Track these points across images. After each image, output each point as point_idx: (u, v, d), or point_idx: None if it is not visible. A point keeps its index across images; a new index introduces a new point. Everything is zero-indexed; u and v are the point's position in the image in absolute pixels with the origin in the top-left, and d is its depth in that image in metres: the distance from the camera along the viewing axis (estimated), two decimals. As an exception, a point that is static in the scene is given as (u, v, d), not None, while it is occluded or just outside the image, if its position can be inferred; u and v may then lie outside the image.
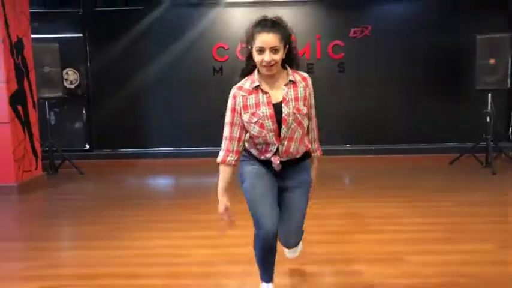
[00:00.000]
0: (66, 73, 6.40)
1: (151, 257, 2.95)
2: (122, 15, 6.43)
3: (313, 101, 2.13)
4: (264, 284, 2.19)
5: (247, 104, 1.97)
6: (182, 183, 5.73)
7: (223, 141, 2.06)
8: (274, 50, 1.88)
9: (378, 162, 6.28)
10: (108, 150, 6.63)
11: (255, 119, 1.95)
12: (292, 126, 1.97)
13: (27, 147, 5.12)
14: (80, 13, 6.45)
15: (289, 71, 2.03)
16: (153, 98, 6.58)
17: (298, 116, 1.98)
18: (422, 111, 6.47)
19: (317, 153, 2.22)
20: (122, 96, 6.49)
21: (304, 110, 2.00)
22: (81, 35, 6.49)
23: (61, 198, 4.77)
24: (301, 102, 1.99)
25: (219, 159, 2.06)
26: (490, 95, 5.66)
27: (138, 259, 2.91)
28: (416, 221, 3.59)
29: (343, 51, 6.41)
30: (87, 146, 6.64)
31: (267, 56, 1.87)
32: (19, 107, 4.99)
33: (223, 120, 2.06)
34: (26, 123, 5.11)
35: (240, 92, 1.99)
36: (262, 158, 2.05)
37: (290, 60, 2.04)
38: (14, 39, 4.92)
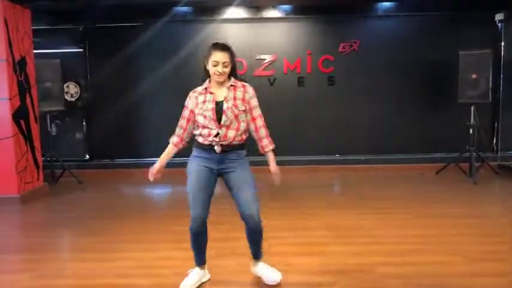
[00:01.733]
0: (67, 86, 6.67)
1: (150, 268, 3.14)
2: (121, 31, 6.69)
3: (255, 103, 2.72)
4: (196, 268, 2.83)
5: (197, 102, 2.66)
6: (178, 193, 5.96)
7: (177, 129, 2.79)
8: (224, 64, 2.57)
9: (367, 172, 6.53)
10: (107, 160, 6.89)
11: (201, 111, 2.62)
12: (231, 117, 2.61)
13: (29, 159, 5.38)
14: (81, 29, 6.71)
15: (232, 79, 2.69)
16: (151, 109, 6.83)
17: (235, 110, 2.62)
18: (410, 122, 6.70)
19: (270, 147, 2.76)
20: (120, 108, 6.75)
21: (241, 107, 2.64)
22: (81, 50, 6.75)
23: (61, 208, 5.01)
24: (239, 101, 2.64)
25: (172, 140, 2.82)
26: (473, 107, 5.89)
27: (137, 270, 3.10)
28: (396, 233, 3.80)
29: (333, 65, 6.65)
30: (87, 156, 6.90)
31: (220, 68, 2.57)
32: (22, 122, 5.26)
33: None
34: (28, 137, 5.38)
35: (193, 94, 2.71)
36: (207, 142, 2.65)
37: (233, 73, 2.70)
38: (18, 58, 5.19)
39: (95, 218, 4.49)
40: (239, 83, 2.69)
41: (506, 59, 6.52)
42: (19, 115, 5.20)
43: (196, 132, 2.70)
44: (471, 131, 5.92)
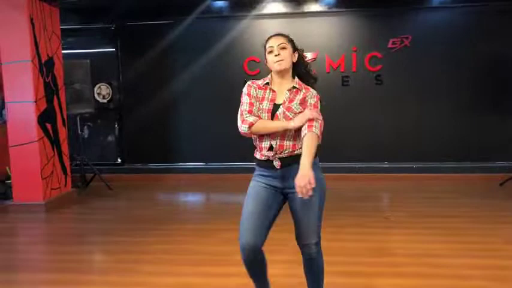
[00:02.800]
0: (99, 87, 6.46)
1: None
2: (153, 29, 6.40)
3: (312, 102, 2.18)
4: None
5: (257, 95, 2.20)
6: (210, 203, 5.61)
7: (244, 114, 2.14)
8: (281, 47, 2.16)
9: (419, 182, 5.87)
10: (139, 164, 6.63)
11: (256, 109, 2.16)
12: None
13: (56, 164, 5.16)
14: (113, 28, 6.47)
15: (297, 79, 2.24)
16: (184, 111, 6.50)
17: (288, 114, 2.14)
18: (468, 127, 5.98)
19: (312, 130, 2.10)
20: (153, 110, 6.46)
21: (297, 109, 2.15)
22: (113, 49, 6.51)
23: (86, 218, 4.75)
24: (295, 103, 2.16)
25: (247, 123, 2.13)
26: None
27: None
28: (455, 262, 3.20)
29: (381, 63, 6.04)
30: (119, 160, 6.66)
31: (275, 51, 2.16)
32: (48, 125, 5.03)
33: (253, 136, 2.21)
34: (55, 141, 5.15)
35: (253, 85, 2.24)
36: (263, 158, 2.19)
37: (304, 75, 2.27)
38: (45, 58, 4.96)
39: (119, 232, 4.14)
40: (303, 86, 2.22)
41: None
42: (45, 118, 4.98)
43: (254, 143, 2.26)
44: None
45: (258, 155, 2.22)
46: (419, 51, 5.95)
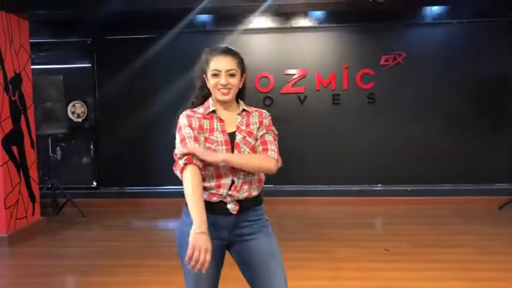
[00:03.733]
0: (73, 106, 6.01)
1: None
2: (132, 43, 6.01)
3: (267, 123, 1.87)
4: None
5: (202, 126, 1.80)
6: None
7: (180, 148, 1.75)
8: (230, 73, 1.79)
9: (414, 206, 5.60)
10: (116, 188, 6.17)
11: (208, 145, 1.76)
12: (246, 152, 1.78)
13: (22, 191, 4.67)
14: (89, 42, 6.06)
15: (241, 102, 1.90)
16: (164, 131, 6.03)
17: (250, 139, 1.80)
18: (463, 147, 5.76)
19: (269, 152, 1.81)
20: (131, 130, 6.01)
21: (259, 134, 1.83)
22: (89, 65, 6.10)
23: (55, 253, 4.27)
24: (254, 127, 1.84)
25: (179, 165, 1.73)
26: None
27: None
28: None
29: (373, 80, 5.79)
30: (94, 183, 6.19)
31: (223, 80, 1.78)
32: (14, 148, 4.56)
33: None
34: (22, 165, 4.68)
35: (194, 115, 1.82)
36: (215, 199, 1.75)
37: (241, 93, 1.90)
38: (11, 75, 4.52)
39: (89, 271, 3.69)
40: (253, 109, 1.89)
41: None
42: (11, 141, 4.51)
43: (206, 181, 1.80)
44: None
45: (205, 195, 1.74)
46: (413, 68, 5.73)
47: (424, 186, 5.78)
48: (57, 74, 5.56)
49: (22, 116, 4.71)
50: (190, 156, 1.71)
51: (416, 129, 5.79)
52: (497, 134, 5.70)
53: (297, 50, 5.89)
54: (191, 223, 1.61)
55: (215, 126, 1.80)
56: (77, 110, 6.07)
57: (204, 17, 5.79)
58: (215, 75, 1.78)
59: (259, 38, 5.94)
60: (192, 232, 1.58)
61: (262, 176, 1.84)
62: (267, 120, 1.87)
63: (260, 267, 1.77)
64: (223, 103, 1.83)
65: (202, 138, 1.77)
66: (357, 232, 4.55)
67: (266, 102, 5.84)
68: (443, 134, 5.77)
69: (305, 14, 5.78)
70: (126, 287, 3.34)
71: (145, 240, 4.68)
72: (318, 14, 5.75)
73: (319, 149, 5.86)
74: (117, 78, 6.03)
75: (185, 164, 1.70)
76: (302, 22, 5.84)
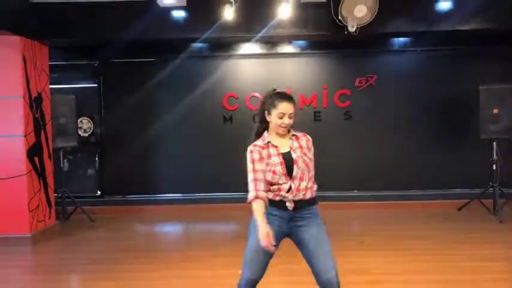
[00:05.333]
0: (81, 121, 6.60)
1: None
2: (136, 66, 6.68)
3: (313, 151, 2.51)
4: None
5: (262, 156, 2.41)
6: (191, 232, 5.81)
7: (250, 184, 2.39)
8: (290, 116, 2.41)
9: (387, 209, 6.33)
10: (119, 196, 6.74)
11: (268, 168, 2.38)
12: (302, 167, 2.39)
13: (42, 197, 5.25)
14: (96, 64, 6.71)
15: (291, 130, 2.49)
16: (165, 145, 6.72)
17: (306, 158, 2.42)
18: (429, 158, 6.52)
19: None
20: (133, 144, 6.64)
21: (310, 156, 2.46)
22: (96, 85, 6.73)
23: (72, 250, 4.84)
24: (306, 150, 2.45)
25: (251, 196, 2.36)
26: (495, 143, 5.76)
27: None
28: (426, 278, 3.61)
29: (349, 99, 6.57)
30: (99, 192, 6.75)
31: (286, 120, 2.39)
32: (36, 159, 5.15)
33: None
34: (41, 174, 5.26)
35: (255, 148, 2.44)
36: (277, 198, 2.40)
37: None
38: (34, 94, 5.14)
39: (106, 261, 4.32)
40: (299, 133, 2.51)
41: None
42: (33, 152, 5.11)
43: (272, 183, 2.45)
44: (494, 167, 5.77)
45: (270, 195, 2.40)
46: (383, 89, 6.54)
47: (394, 192, 6.53)
48: (67, 93, 6.15)
49: (42, 130, 5.32)
50: (258, 194, 2.34)
51: (387, 143, 6.56)
52: (457, 146, 6.49)
53: (282, 73, 6.64)
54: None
55: (271, 152, 2.40)
56: (84, 126, 6.67)
57: (200, 45, 6.48)
58: (281, 117, 2.37)
59: (250, 62, 6.67)
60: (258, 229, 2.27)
61: (314, 186, 2.46)
62: (310, 142, 2.47)
63: (312, 251, 2.37)
64: (278, 134, 2.43)
65: (264, 165, 2.37)
66: (335, 229, 5.22)
67: (256, 118, 6.53)
68: (411, 146, 6.55)
69: (289, 42, 6.55)
70: (130, 273, 3.93)
71: (146, 239, 5.33)
72: (301, 42, 6.53)
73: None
74: (121, 98, 6.68)
75: (254, 198, 2.36)
76: (287, 49, 6.59)
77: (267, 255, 2.36)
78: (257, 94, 6.57)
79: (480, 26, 5.29)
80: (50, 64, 5.66)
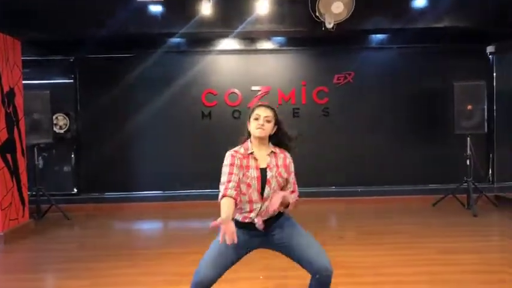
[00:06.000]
0: (56, 118, 6.48)
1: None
2: (113, 61, 6.58)
3: (292, 168, 2.56)
4: None
5: (241, 165, 2.40)
6: (169, 229, 5.77)
7: (222, 186, 2.33)
8: (267, 119, 2.44)
9: (364, 204, 6.41)
10: (96, 194, 6.64)
11: (244, 179, 2.37)
12: (275, 187, 2.41)
13: (14, 194, 5.13)
14: (72, 60, 6.59)
15: (271, 145, 2.53)
16: (142, 142, 6.66)
17: (279, 179, 2.44)
18: (405, 154, 6.63)
19: (295, 194, 2.53)
20: (110, 141, 6.56)
21: (285, 175, 2.47)
22: (72, 80, 6.61)
23: (47, 248, 4.73)
24: (282, 169, 2.46)
25: (220, 195, 2.31)
26: (469, 138, 5.89)
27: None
28: (399, 271, 3.66)
29: (327, 96, 6.62)
30: (75, 190, 6.64)
31: (261, 121, 2.42)
32: (8, 156, 5.03)
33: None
34: (14, 171, 5.14)
35: (236, 154, 2.43)
36: (247, 220, 2.39)
37: (281, 142, 2.55)
38: (6, 89, 5.02)
39: (82, 259, 4.23)
40: (277, 149, 2.52)
41: (499, 91, 6.58)
42: (6, 149, 4.99)
43: (239, 206, 2.43)
44: (468, 162, 5.90)
45: (239, 217, 2.39)
46: (361, 86, 6.61)
47: (371, 188, 6.61)
48: (42, 89, 6.02)
49: (15, 126, 5.20)
50: (226, 192, 2.29)
51: (364, 139, 6.63)
52: (432, 143, 6.61)
53: (261, 69, 6.65)
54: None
55: (250, 164, 2.40)
56: (59, 122, 6.55)
57: (179, 40, 6.43)
58: (256, 119, 2.43)
59: (228, 58, 6.65)
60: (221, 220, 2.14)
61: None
62: (292, 166, 2.52)
63: (301, 252, 2.36)
64: (259, 145, 2.45)
65: (241, 175, 2.36)
66: (314, 225, 5.25)
67: (235, 114, 6.55)
68: (387, 142, 6.64)
69: (268, 38, 6.56)
70: (105, 271, 3.86)
71: (128, 236, 5.28)
72: (280, 38, 6.54)
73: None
74: (97, 93, 6.58)
75: (222, 197, 2.30)
76: (266, 45, 6.59)
77: (228, 261, 2.33)
78: (236, 90, 6.57)
79: (453, 24, 5.40)
80: (24, 59, 5.53)
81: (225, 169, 2.40)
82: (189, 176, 6.50)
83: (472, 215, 5.57)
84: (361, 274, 3.62)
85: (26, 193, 5.38)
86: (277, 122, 2.51)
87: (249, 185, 2.37)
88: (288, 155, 2.55)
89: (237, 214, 2.43)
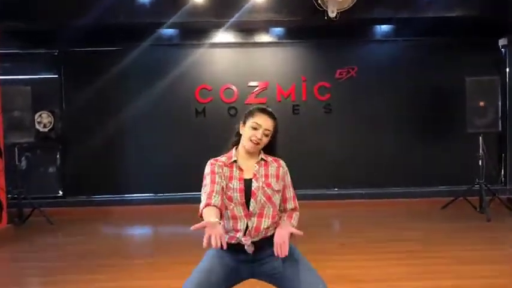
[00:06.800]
0: (40, 116, 6.09)
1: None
2: (100, 55, 6.21)
3: (289, 180, 2.16)
4: None
5: (223, 174, 2.03)
6: (160, 236, 5.40)
7: (204, 196, 1.95)
8: (266, 133, 2.06)
9: (368, 207, 6.04)
10: (83, 197, 6.27)
11: (226, 190, 2.00)
12: (262, 201, 2.01)
13: (-10, 198, 4.75)
14: (56, 53, 6.20)
15: (261, 152, 2.13)
16: (132, 141, 6.31)
17: (268, 190, 2.03)
18: (412, 153, 6.30)
19: (292, 216, 2.15)
20: (98, 140, 6.17)
21: (276, 187, 2.06)
22: (56, 76, 6.23)
23: (27, 257, 4.34)
24: (272, 179, 2.07)
25: (202, 206, 1.91)
26: (480, 137, 5.51)
27: None
28: (413, 285, 3.28)
29: (329, 92, 6.27)
30: (60, 193, 6.26)
31: (259, 134, 2.03)
32: (-17, 156, 4.65)
33: (206, 163, 2.08)
34: (-10, 173, 4.76)
35: (216, 163, 2.07)
36: (233, 241, 1.99)
37: (271, 146, 2.16)
38: (-20, 84, 4.63)
39: (64, 270, 3.82)
40: (270, 158, 2.14)
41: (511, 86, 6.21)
42: (-20, 148, 4.60)
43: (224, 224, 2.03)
44: (480, 163, 5.52)
45: (226, 237, 1.90)
46: (365, 81, 6.26)
47: (376, 190, 6.24)
48: (24, 85, 5.65)
49: (-9, 124, 4.81)
50: (210, 201, 1.89)
51: (370, 138, 6.30)
52: (441, 142, 6.27)
53: (258, 63, 6.30)
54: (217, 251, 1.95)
55: (234, 175, 2.03)
56: (43, 120, 6.15)
57: (170, 31, 6.07)
58: (255, 128, 2.03)
59: (224, 52, 6.30)
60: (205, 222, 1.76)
61: (277, 218, 2.06)
62: (288, 177, 2.13)
63: (290, 270, 1.98)
64: (247, 153, 2.08)
65: (223, 182, 1.98)
66: (315, 230, 4.89)
67: (231, 112, 6.18)
68: (393, 141, 6.31)
69: (266, 30, 6.19)
70: (89, 284, 3.48)
71: (116, 243, 4.87)
72: (278, 30, 6.19)
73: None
74: (84, 90, 6.20)
75: (206, 205, 1.89)
76: (263, 38, 6.25)
77: (219, 281, 1.93)
78: (232, 86, 6.23)
79: (464, 13, 5.06)
80: (3, 52, 5.19)
81: (206, 179, 2.01)
82: (183, 177, 6.10)
83: (485, 219, 5.19)
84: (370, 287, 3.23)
85: (3, 196, 5.01)
86: (274, 134, 2.12)
87: (230, 199, 1.99)
88: (282, 164, 2.15)
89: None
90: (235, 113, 6.16)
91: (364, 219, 5.51)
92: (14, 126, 5.40)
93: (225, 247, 1.72)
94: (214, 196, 1.91)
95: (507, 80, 6.19)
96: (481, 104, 5.44)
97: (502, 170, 6.31)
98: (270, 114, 2.08)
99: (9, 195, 5.32)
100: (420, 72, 6.26)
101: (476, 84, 5.46)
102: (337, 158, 6.29)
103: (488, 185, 5.57)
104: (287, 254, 1.89)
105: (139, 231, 5.57)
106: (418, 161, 6.29)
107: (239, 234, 1.98)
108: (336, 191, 6.31)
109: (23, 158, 6.04)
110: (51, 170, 6.32)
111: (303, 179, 6.24)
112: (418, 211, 5.78)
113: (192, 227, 1.70)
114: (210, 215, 1.81)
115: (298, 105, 6.27)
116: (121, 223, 5.74)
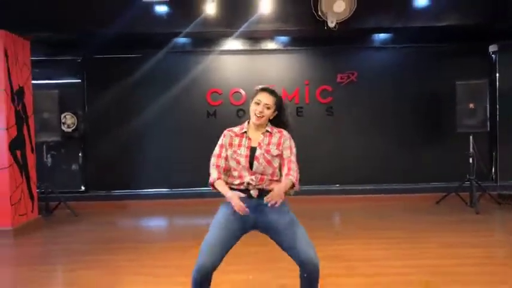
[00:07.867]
0: (64, 117, 6.59)
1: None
2: (119, 61, 6.69)
3: (287, 145, 2.52)
4: None
5: (232, 143, 2.52)
6: (174, 225, 5.87)
7: (212, 168, 2.52)
8: (267, 106, 2.50)
9: (367, 202, 6.45)
10: (103, 191, 6.75)
11: (234, 156, 2.48)
12: (263, 164, 2.46)
13: (24, 190, 5.25)
14: (79, 60, 6.73)
15: (269, 125, 2.57)
16: (149, 140, 6.76)
17: (267, 156, 2.47)
18: (409, 152, 6.67)
19: (289, 176, 2.43)
20: (117, 140, 6.67)
21: (275, 152, 2.49)
22: (80, 80, 6.74)
23: (56, 242, 4.85)
24: (272, 146, 2.50)
25: (213, 178, 2.49)
26: (471, 137, 5.93)
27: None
28: (400, 264, 3.72)
29: (331, 95, 6.68)
30: (83, 188, 6.76)
31: (260, 108, 2.49)
32: (18, 152, 5.16)
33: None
34: (24, 167, 5.27)
35: (229, 133, 2.57)
36: (242, 187, 2.46)
37: (281, 123, 2.60)
38: (16, 87, 5.15)
39: (90, 252, 4.34)
40: (275, 129, 2.56)
41: (502, 89, 6.60)
42: (15, 145, 5.12)
43: (228, 175, 2.54)
44: (471, 161, 5.93)
45: (235, 181, 2.46)
46: (364, 85, 6.66)
47: (374, 186, 6.66)
48: (51, 89, 6.17)
49: (24, 124, 5.33)
50: (220, 176, 2.49)
51: (369, 138, 6.69)
52: (435, 141, 6.66)
53: (265, 68, 6.73)
54: (223, 208, 2.47)
55: (243, 143, 2.50)
56: (67, 121, 6.67)
57: (184, 40, 6.53)
58: (256, 103, 2.50)
59: (233, 58, 6.74)
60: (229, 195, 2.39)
61: (276, 176, 2.49)
62: (287, 142, 2.51)
63: (285, 231, 2.37)
64: (255, 125, 2.52)
65: (230, 152, 2.49)
66: (312, 222, 5.33)
67: (239, 114, 6.63)
68: (391, 141, 6.69)
69: (272, 38, 6.65)
70: (114, 262, 3.97)
71: (134, 231, 5.38)
72: (283, 38, 6.63)
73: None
74: (104, 93, 6.70)
75: (217, 179, 2.48)
76: (270, 45, 6.68)
77: (227, 244, 2.33)
78: (240, 90, 6.66)
79: (455, 22, 5.45)
80: (34, 59, 5.68)
81: (216, 149, 2.56)
82: (195, 174, 6.55)
83: (474, 212, 5.59)
84: (362, 266, 3.67)
85: (35, 189, 5.51)
86: (278, 108, 2.55)
87: (238, 162, 2.46)
88: (285, 133, 2.55)
89: (234, 180, 2.49)
90: (243, 115, 6.59)
91: (361, 213, 5.92)
92: (43, 126, 5.92)
93: (247, 211, 2.30)
94: (220, 171, 2.49)
95: (497, 83, 6.59)
96: (471, 106, 5.87)
97: (493, 168, 6.69)
98: (270, 91, 2.54)
99: (38, 190, 5.81)
100: (415, 77, 6.66)
101: (466, 87, 5.89)
102: (339, 157, 6.69)
103: (479, 182, 5.97)
104: (277, 204, 2.27)
105: (155, 222, 6.05)
106: (414, 160, 6.67)
107: (245, 180, 2.45)
108: (337, 187, 6.72)
109: (49, 156, 6.51)
110: (74, 167, 6.80)
111: (306, 176, 6.66)
112: (414, 205, 6.16)
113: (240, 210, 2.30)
114: (224, 188, 2.44)
115: (301, 107, 6.70)
116: (138, 214, 6.22)
